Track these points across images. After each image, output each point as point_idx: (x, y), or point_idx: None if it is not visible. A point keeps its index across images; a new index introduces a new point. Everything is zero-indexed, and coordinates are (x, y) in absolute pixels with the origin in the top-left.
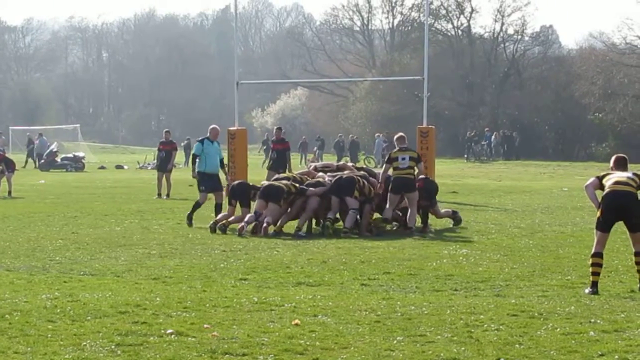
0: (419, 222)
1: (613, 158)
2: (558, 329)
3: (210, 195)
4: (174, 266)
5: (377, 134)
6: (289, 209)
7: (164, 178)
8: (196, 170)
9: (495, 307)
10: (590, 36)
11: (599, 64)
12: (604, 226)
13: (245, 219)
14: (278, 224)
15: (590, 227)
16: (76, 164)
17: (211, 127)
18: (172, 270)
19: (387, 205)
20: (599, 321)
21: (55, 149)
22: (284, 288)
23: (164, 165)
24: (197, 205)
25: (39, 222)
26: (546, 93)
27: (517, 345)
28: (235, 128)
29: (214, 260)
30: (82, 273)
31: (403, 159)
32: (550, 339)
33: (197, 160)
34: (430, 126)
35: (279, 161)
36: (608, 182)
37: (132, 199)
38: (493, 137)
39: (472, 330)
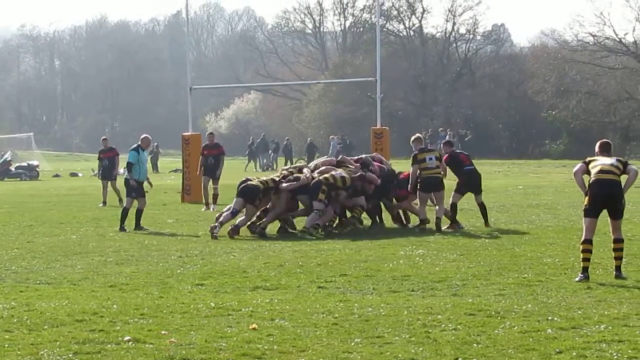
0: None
1: (598, 143)
2: (515, 327)
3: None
4: (131, 273)
5: (331, 136)
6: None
7: (109, 186)
8: (133, 177)
9: (453, 306)
10: (542, 34)
11: (552, 62)
12: (591, 213)
13: (220, 219)
14: (264, 222)
15: (546, 224)
16: (30, 173)
17: (143, 136)
18: (129, 277)
19: (419, 205)
20: (556, 319)
21: (9, 158)
22: (241, 292)
23: (109, 173)
24: (126, 212)
25: None
26: (499, 91)
27: (474, 345)
28: (189, 133)
29: (170, 266)
30: (38, 282)
31: (430, 159)
32: (507, 337)
33: (132, 168)
34: (384, 127)
35: (213, 167)
36: (594, 170)
37: (87, 207)
38: (447, 136)
39: (430, 330)
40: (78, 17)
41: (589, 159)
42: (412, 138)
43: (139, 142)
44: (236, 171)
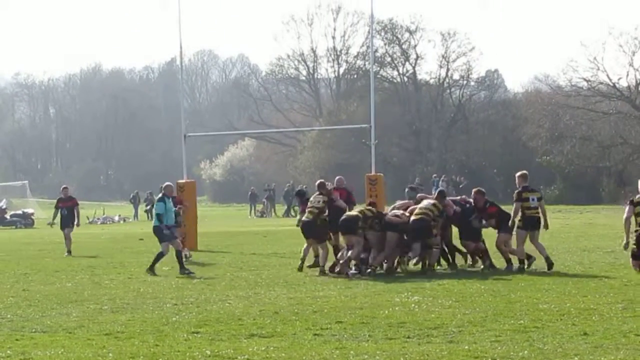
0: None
1: None
2: None
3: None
4: (126, 321)
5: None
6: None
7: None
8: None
9: (449, 353)
10: (536, 79)
11: (545, 107)
12: None
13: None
14: (376, 260)
15: (542, 270)
16: (25, 221)
17: (166, 184)
18: (124, 325)
19: (518, 244)
20: None
21: (4, 206)
22: (236, 340)
23: (68, 221)
24: (161, 256)
25: None
26: (493, 137)
27: None
28: (184, 180)
29: (165, 313)
30: (33, 330)
31: (532, 199)
32: None
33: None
34: (378, 174)
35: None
36: None
37: (81, 255)
38: (441, 182)
39: None
40: (72, 65)
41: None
42: (518, 174)
43: (163, 191)
44: (236, 219)
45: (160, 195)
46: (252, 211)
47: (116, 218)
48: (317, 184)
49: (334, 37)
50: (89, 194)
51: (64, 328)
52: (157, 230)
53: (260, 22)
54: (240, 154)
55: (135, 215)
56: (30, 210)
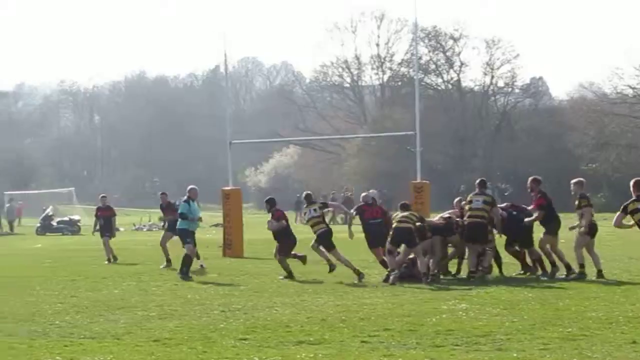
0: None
1: (632, 182)
2: None
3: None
4: (174, 327)
5: (371, 190)
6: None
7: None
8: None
9: None
10: (581, 86)
11: (591, 115)
12: None
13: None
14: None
15: (591, 279)
16: (72, 227)
17: (190, 187)
18: (172, 332)
19: (576, 248)
20: None
21: (50, 213)
22: (284, 347)
23: (105, 230)
24: (189, 259)
25: (37, 286)
26: (539, 144)
27: None
28: (229, 188)
29: (213, 320)
30: (82, 337)
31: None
32: None
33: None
34: (424, 181)
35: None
36: None
37: (128, 261)
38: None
39: None
40: (117, 73)
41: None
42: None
43: (188, 194)
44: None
45: (185, 197)
46: (298, 218)
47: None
48: (304, 195)
49: (377, 45)
50: (134, 201)
51: (112, 334)
52: (182, 232)
53: (304, 29)
54: (285, 161)
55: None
56: (76, 217)
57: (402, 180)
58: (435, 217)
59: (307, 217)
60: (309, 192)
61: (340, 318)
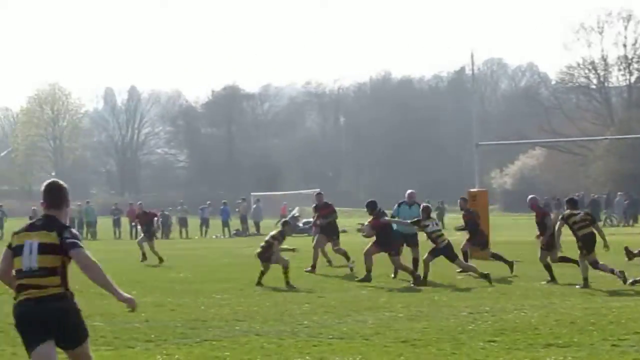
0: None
1: None
2: None
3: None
4: (422, 329)
5: (618, 193)
6: None
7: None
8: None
9: None
10: None
11: None
12: None
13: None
14: None
15: None
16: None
17: (410, 191)
18: (420, 333)
19: None
20: None
21: (297, 214)
22: (533, 350)
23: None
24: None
25: (285, 286)
26: None
27: None
28: (476, 189)
29: (461, 322)
30: (330, 337)
31: None
32: None
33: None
34: None
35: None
36: None
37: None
38: None
39: None
40: (362, 74)
41: None
42: None
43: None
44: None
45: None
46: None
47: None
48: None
49: (624, 45)
50: (380, 201)
51: (360, 335)
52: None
53: (549, 30)
54: (531, 163)
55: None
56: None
57: None
58: None
59: (430, 229)
60: (427, 204)
61: (589, 321)
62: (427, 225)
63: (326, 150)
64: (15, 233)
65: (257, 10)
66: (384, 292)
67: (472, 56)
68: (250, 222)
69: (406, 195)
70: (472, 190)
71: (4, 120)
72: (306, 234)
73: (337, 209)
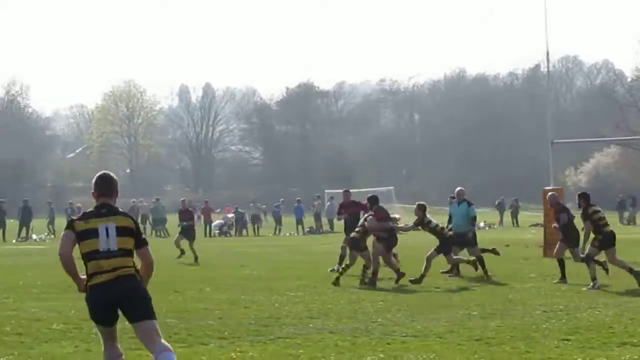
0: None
1: None
2: None
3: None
4: (496, 327)
5: None
6: None
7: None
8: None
9: None
10: None
11: None
12: None
13: None
14: None
15: None
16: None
17: (458, 189)
18: (494, 331)
19: None
20: None
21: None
22: (607, 348)
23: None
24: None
25: (353, 284)
26: None
27: None
28: (550, 187)
29: (535, 320)
30: (404, 334)
31: None
32: None
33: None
34: None
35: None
36: None
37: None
38: None
39: None
40: (436, 71)
41: None
42: None
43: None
44: None
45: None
46: (621, 219)
47: (481, 224)
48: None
49: None
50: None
51: (434, 333)
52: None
53: (625, 27)
54: (606, 161)
55: (501, 221)
56: (396, 216)
57: None
58: None
59: (433, 225)
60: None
61: None
62: (430, 222)
63: (400, 148)
64: (79, 219)
65: (332, 7)
66: (457, 291)
67: (547, 54)
68: (324, 220)
69: (455, 192)
70: (546, 188)
71: (79, 117)
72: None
73: (408, 206)
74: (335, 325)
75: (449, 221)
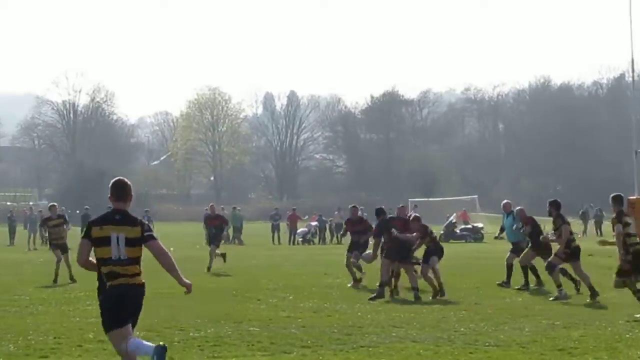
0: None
1: None
2: None
3: None
4: (579, 337)
5: None
6: None
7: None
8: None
9: None
10: None
11: None
12: None
13: None
14: None
15: None
16: (475, 235)
17: (504, 202)
18: (577, 341)
19: None
20: None
21: (454, 220)
22: None
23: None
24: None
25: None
26: None
27: None
28: (634, 197)
29: (618, 330)
30: (487, 344)
31: None
32: None
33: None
34: None
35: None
36: None
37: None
38: None
39: None
40: (522, 81)
41: None
42: None
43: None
44: None
45: None
46: None
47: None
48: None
49: None
50: (539, 209)
51: (517, 342)
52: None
53: None
54: None
55: (585, 231)
56: (480, 225)
57: None
58: None
59: (434, 235)
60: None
61: None
62: (432, 232)
63: (484, 157)
64: (95, 225)
65: (417, 17)
66: (540, 300)
67: (632, 62)
68: None
69: (502, 205)
70: (631, 198)
71: (163, 124)
72: (463, 241)
73: (490, 215)
74: (418, 334)
75: (501, 230)
